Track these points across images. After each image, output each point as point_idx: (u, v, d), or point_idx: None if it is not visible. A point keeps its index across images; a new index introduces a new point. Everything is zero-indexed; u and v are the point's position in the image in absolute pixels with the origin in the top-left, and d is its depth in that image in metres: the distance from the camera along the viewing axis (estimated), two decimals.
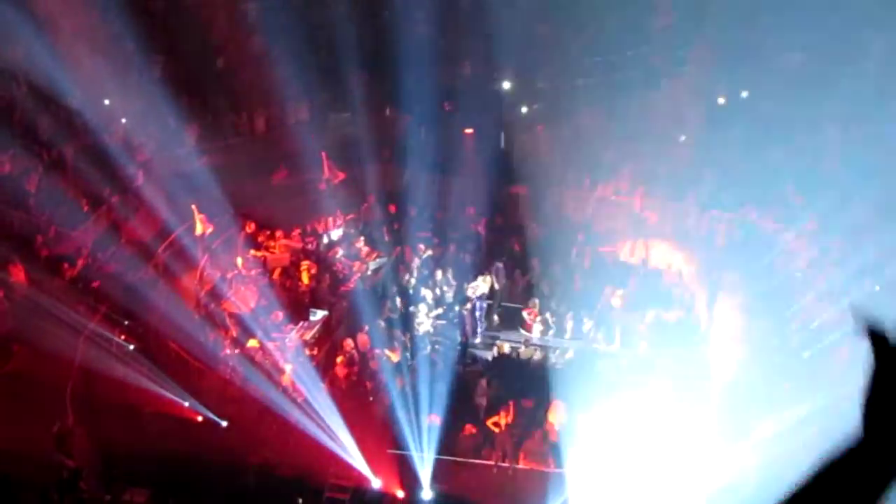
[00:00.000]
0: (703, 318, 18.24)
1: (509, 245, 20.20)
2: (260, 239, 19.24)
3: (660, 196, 21.94)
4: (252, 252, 18.50)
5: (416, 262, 18.86)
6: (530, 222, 21.57)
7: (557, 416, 14.64)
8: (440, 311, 17.81)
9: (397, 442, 14.27)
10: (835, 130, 21.42)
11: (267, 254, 18.90)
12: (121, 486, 13.41)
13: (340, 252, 19.11)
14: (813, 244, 19.12)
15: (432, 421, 14.47)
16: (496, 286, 18.37)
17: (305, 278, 18.12)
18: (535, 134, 23.69)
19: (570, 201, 22.44)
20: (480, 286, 17.67)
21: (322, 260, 18.94)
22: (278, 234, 19.42)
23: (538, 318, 17.85)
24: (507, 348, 17.08)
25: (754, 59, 22.74)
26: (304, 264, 18.34)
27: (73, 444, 13.56)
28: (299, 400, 14.82)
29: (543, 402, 15.30)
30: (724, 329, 18.17)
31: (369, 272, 18.81)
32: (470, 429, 14.60)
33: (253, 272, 17.78)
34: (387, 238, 19.91)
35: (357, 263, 18.85)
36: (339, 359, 15.84)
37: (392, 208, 20.86)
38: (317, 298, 17.83)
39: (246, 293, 17.17)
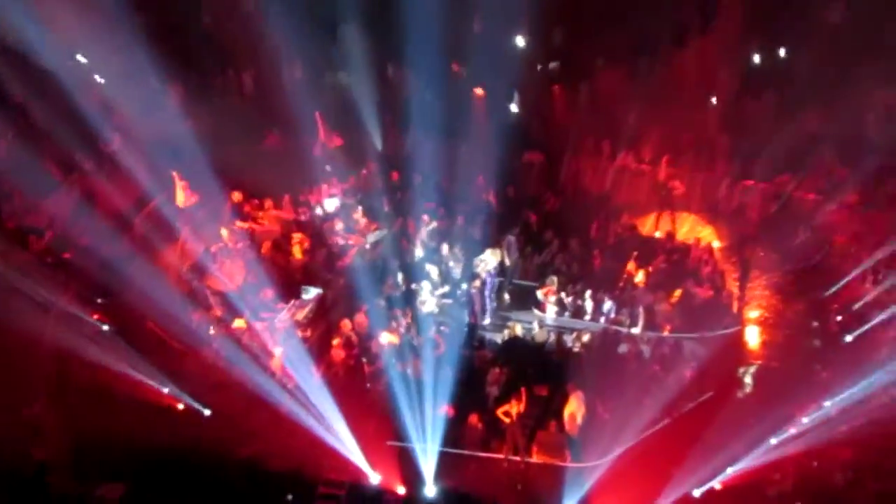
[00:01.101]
0: (734, 299, 17.95)
1: (522, 217, 19.81)
2: (248, 209, 18.93)
3: (687, 165, 21.75)
4: (239, 223, 18.22)
5: (420, 235, 18.57)
6: (545, 192, 21.32)
7: (574, 405, 14.40)
8: (446, 289, 17.60)
9: (398, 433, 14.12)
10: (879, 93, 21.05)
11: (255, 225, 18.64)
12: (93, 481, 13.29)
13: (337, 224, 18.78)
14: (855, 217, 19.08)
15: (444, 412, 14.26)
16: (507, 261, 18.13)
17: (298, 252, 17.85)
18: (552, 96, 23.32)
19: (590, 170, 22.18)
20: (489, 260, 17.38)
21: (316, 232, 18.64)
22: (268, 203, 19.16)
23: (554, 298, 17.58)
24: (519, 330, 16.74)
25: (792, 14, 22.20)
26: (297, 237, 18.04)
27: (42, 435, 13.57)
28: (290, 386, 14.67)
29: (559, 390, 15.15)
30: (758, 310, 18.01)
31: (368, 246, 18.48)
32: (478, 419, 14.38)
33: (240, 245, 17.47)
34: (388, 209, 19.56)
35: (355, 236, 18.57)
36: (335, 341, 15.61)
37: (394, 176, 20.50)
38: (310, 275, 17.56)
39: (232, 268, 16.88)
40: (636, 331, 16.84)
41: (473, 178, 20.39)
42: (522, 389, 14.50)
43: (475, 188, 20.19)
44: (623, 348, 16.22)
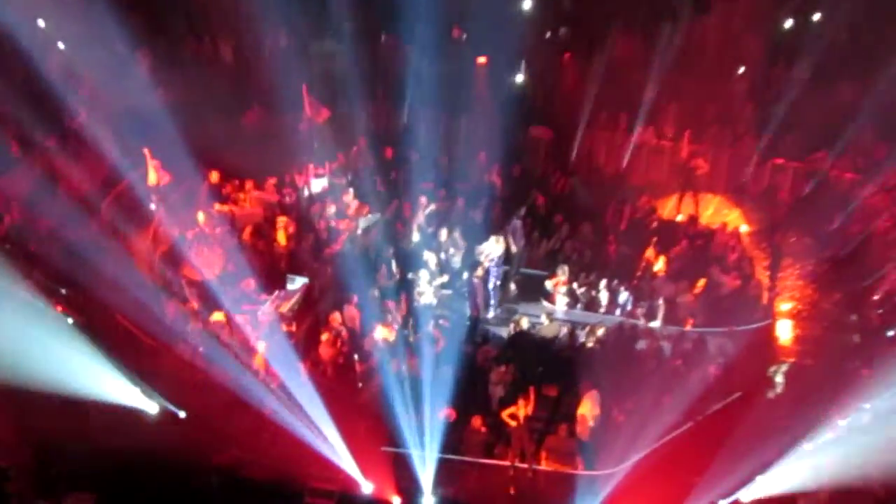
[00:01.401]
0: (764, 289, 17.92)
1: (529, 199, 19.70)
2: (227, 190, 18.94)
3: (712, 141, 21.78)
4: (217, 206, 18.19)
5: (417, 219, 18.57)
6: (555, 172, 21.33)
7: (587, 406, 14.31)
8: (445, 278, 17.59)
9: (393, 437, 14.03)
10: None
11: (235, 208, 18.63)
12: (59, 490, 13.24)
13: (327, 207, 18.74)
14: None
15: (445, 416, 14.18)
16: (513, 248, 18.10)
17: (282, 238, 17.78)
18: (562, 65, 23.28)
19: (604, 147, 22.26)
20: (493, 248, 17.34)
21: (302, 216, 18.60)
22: (249, 184, 19.18)
23: (564, 289, 17.60)
24: (526, 324, 16.64)
25: None
26: (281, 221, 17.97)
27: (0, 439, 13.53)
28: (274, 386, 14.55)
29: (570, 390, 15.11)
30: (790, 302, 17.91)
31: (359, 231, 18.47)
32: (481, 422, 14.35)
33: (218, 231, 17.45)
34: (381, 190, 19.57)
35: (345, 221, 18.54)
36: (324, 336, 15.55)
37: (388, 154, 20.53)
38: (296, 263, 17.52)
39: (210, 256, 16.81)
40: (656, 325, 16.85)
41: (475, 156, 20.36)
42: (530, 389, 14.35)
43: (477, 167, 20.16)
44: (641, 344, 16.16)
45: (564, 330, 16.54)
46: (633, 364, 15.56)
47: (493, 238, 17.38)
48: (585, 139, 22.18)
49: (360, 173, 19.98)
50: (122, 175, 18.04)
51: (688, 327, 16.73)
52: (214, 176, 18.73)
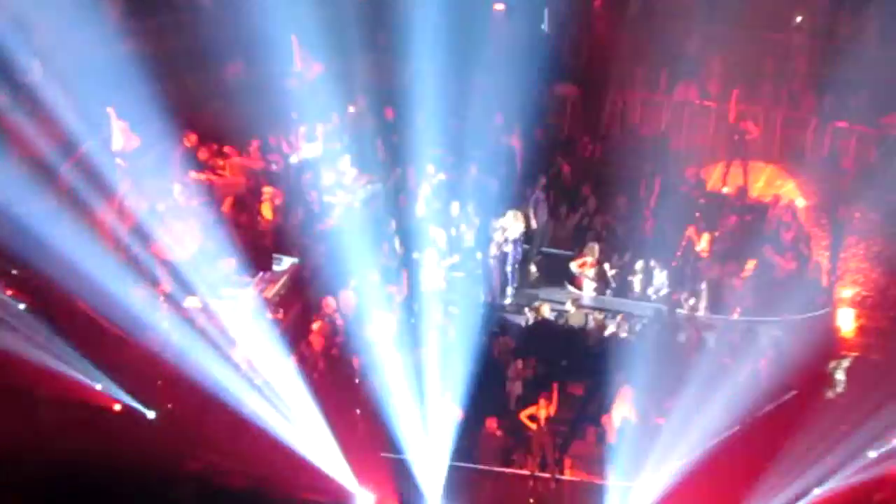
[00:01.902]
0: (823, 272, 17.89)
1: (553, 167, 19.76)
2: (204, 156, 18.76)
3: (764, 101, 21.64)
4: (193, 174, 18.08)
5: (424, 190, 18.50)
6: (583, 136, 21.37)
7: (619, 407, 14.31)
8: (456, 259, 17.55)
9: (394, 442, 14.02)
10: None
11: (214, 177, 18.54)
12: (6, 499, 13.11)
13: (323, 177, 18.74)
14: None
15: (455, 417, 14.21)
16: (533, 224, 18.22)
17: (268, 212, 17.73)
18: (592, 12, 23.30)
19: (639, 107, 22.22)
20: (511, 224, 17.44)
21: (291, 187, 18.55)
22: (229, 149, 19.09)
23: (593, 271, 17.65)
24: (548, 312, 16.72)
25: None
26: (267, 192, 17.89)
27: None
28: (257, 382, 14.52)
29: (599, 389, 15.19)
30: (854, 287, 17.94)
31: (357, 204, 18.40)
32: (496, 424, 14.36)
33: (194, 203, 17.36)
34: (382, 156, 19.54)
35: (340, 192, 18.51)
36: (315, 325, 15.50)
37: (389, 114, 20.49)
38: (283, 240, 17.47)
39: (184, 232, 16.68)
40: (699, 313, 16.81)
41: (491, 117, 20.33)
42: (553, 387, 14.43)
43: (493, 130, 20.13)
44: (682, 335, 16.17)
45: (592, 319, 16.59)
46: (673, 358, 15.51)
47: (510, 212, 17.43)
48: (618, 98, 22.21)
49: (357, 137, 19.87)
50: (83, 139, 17.75)
51: (735, 316, 16.74)
52: (190, 139, 18.56)
